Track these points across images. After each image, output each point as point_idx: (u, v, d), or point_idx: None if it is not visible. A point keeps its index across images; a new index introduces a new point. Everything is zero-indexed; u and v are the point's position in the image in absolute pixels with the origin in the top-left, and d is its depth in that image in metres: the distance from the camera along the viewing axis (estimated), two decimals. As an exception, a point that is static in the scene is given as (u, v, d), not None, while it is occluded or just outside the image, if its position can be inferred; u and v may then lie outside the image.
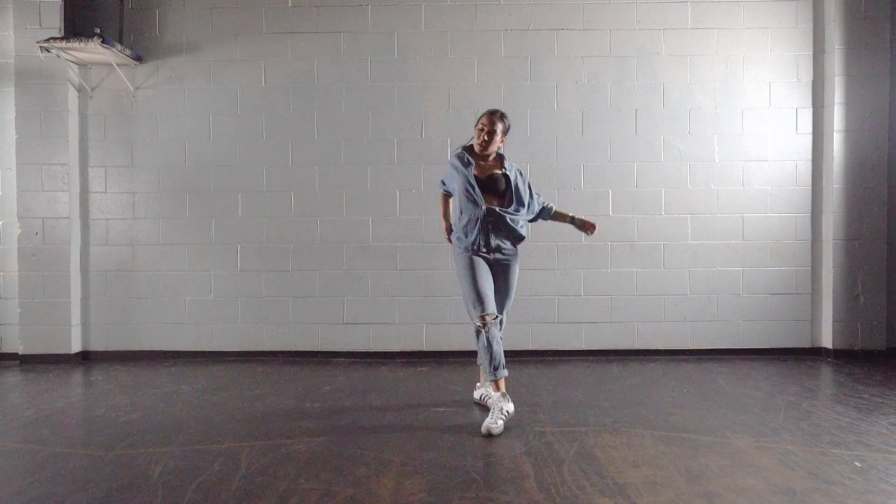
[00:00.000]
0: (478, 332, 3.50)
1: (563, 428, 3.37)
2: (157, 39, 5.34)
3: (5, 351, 5.31)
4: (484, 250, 3.61)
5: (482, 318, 3.45)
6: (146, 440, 3.21)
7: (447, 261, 5.24)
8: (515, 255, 3.72)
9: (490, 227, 3.59)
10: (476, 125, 3.68)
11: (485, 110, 3.71)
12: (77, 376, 4.79)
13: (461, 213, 3.66)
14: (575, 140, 5.33)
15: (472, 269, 3.54)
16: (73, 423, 3.58)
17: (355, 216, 5.32)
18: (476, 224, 3.58)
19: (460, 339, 5.32)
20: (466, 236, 3.62)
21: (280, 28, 5.33)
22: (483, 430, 3.25)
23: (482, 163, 3.70)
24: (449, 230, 3.91)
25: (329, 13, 5.33)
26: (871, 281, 5.22)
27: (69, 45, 4.86)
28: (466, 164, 3.65)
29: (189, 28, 5.34)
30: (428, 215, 5.26)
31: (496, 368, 3.46)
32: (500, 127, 3.64)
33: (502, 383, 3.48)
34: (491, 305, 3.48)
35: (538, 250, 5.33)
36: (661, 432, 3.29)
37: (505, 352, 5.30)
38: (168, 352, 5.33)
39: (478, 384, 3.97)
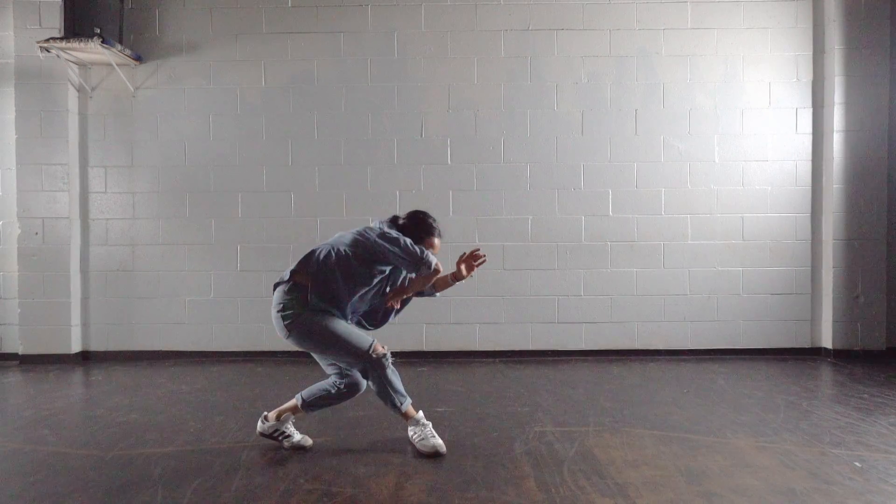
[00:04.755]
0: (381, 365, 2.98)
1: (563, 428, 3.37)
2: (157, 39, 5.34)
3: (5, 351, 5.31)
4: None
5: (377, 347, 2.98)
6: (146, 440, 3.21)
7: (447, 261, 5.21)
8: None
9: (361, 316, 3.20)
10: (433, 245, 3.13)
11: (439, 232, 3.18)
12: (77, 376, 4.79)
13: (351, 288, 2.99)
14: (575, 140, 5.33)
15: (336, 323, 2.99)
16: (73, 423, 3.58)
17: (355, 216, 5.31)
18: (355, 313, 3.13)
19: (460, 339, 5.32)
20: (338, 308, 3.01)
21: (280, 28, 5.33)
22: (432, 449, 2.97)
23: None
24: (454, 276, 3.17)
25: (329, 13, 5.33)
26: (871, 281, 5.22)
27: (69, 45, 4.85)
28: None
29: (189, 28, 5.34)
30: (428, 215, 5.26)
31: (405, 394, 3.08)
32: None
33: (412, 409, 3.10)
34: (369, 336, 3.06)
35: (538, 250, 5.33)
36: (661, 432, 3.29)
37: (505, 352, 5.39)
38: (168, 352, 5.33)
39: (290, 422, 3.16)
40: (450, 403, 3.90)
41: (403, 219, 3.15)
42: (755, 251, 5.35)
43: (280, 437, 3.10)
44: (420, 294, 3.27)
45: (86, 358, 5.34)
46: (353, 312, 3.11)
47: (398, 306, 3.18)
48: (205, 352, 5.34)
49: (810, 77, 5.33)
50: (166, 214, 5.35)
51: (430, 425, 3.07)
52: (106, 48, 4.88)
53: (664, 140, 5.33)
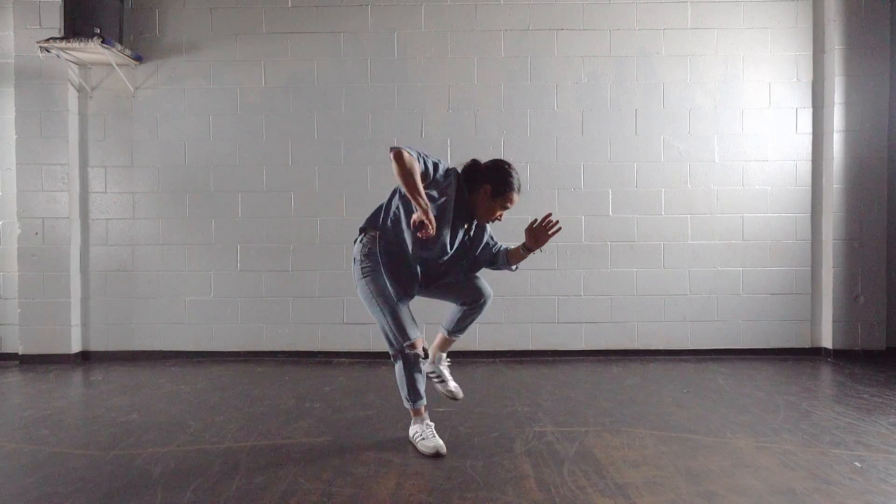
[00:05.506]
0: (410, 362, 3.02)
1: (563, 428, 3.37)
2: (157, 39, 5.34)
3: (5, 351, 5.31)
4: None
5: (416, 344, 3.01)
6: (146, 440, 3.21)
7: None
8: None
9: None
10: (504, 201, 2.99)
11: (517, 187, 3.03)
12: (77, 376, 4.79)
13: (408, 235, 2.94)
14: (575, 140, 5.33)
15: (395, 302, 3.01)
16: (72, 423, 3.58)
17: (355, 216, 5.32)
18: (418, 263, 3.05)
19: (460, 339, 5.30)
20: (404, 251, 2.98)
21: (280, 28, 5.33)
22: (432, 449, 2.96)
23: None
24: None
25: (329, 13, 5.33)
26: (871, 281, 5.22)
27: (69, 45, 4.85)
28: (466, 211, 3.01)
29: (189, 28, 5.34)
30: (428, 215, 5.25)
31: (422, 395, 3.13)
32: None
33: (423, 409, 3.15)
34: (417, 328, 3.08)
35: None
36: (661, 432, 3.29)
37: (505, 352, 5.39)
38: (168, 352, 5.33)
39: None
40: (450, 403, 3.90)
41: (485, 164, 3.02)
42: (755, 251, 5.35)
43: (435, 380, 3.14)
44: (495, 266, 3.22)
45: (86, 358, 5.34)
46: (418, 252, 3.00)
47: (429, 231, 2.69)
48: (205, 352, 5.34)
49: (810, 77, 5.33)
50: (166, 214, 5.35)
51: (433, 426, 3.08)
52: (106, 48, 4.88)
53: (664, 140, 5.33)
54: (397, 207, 2.96)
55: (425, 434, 3.03)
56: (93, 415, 3.72)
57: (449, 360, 3.30)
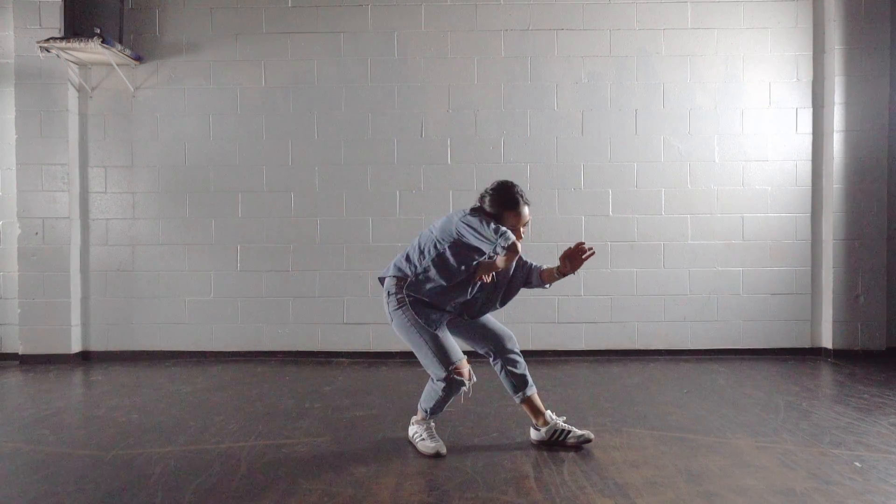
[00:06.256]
0: (452, 386, 2.97)
1: (563, 428, 3.36)
2: (157, 39, 5.34)
3: (5, 351, 5.31)
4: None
5: (460, 368, 2.96)
6: (146, 440, 3.21)
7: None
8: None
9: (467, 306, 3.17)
10: (520, 215, 3.00)
11: (525, 200, 3.04)
12: (77, 376, 4.79)
13: (447, 279, 2.98)
14: (575, 140, 5.33)
15: (434, 331, 3.00)
16: (73, 423, 3.58)
17: (355, 216, 5.32)
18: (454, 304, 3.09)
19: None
20: (433, 305, 3.03)
21: (280, 28, 5.33)
22: (432, 450, 2.98)
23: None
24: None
25: (329, 13, 5.33)
26: (871, 281, 5.22)
27: (69, 45, 4.85)
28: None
29: (189, 28, 5.34)
30: (428, 215, 5.25)
31: (441, 412, 3.15)
32: None
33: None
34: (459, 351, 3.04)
35: (538, 250, 5.32)
36: (661, 432, 3.29)
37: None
38: (168, 352, 5.33)
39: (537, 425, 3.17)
40: (450, 403, 3.89)
41: (490, 191, 3.02)
42: (755, 251, 5.35)
43: (562, 438, 3.06)
44: (529, 285, 3.25)
45: (86, 358, 5.34)
46: (451, 301, 3.06)
47: (487, 279, 3.06)
48: (205, 352, 5.34)
49: (810, 77, 5.33)
50: (166, 214, 5.35)
51: (434, 427, 3.08)
52: (106, 48, 4.88)
53: (664, 140, 5.33)
54: (434, 264, 2.96)
55: (425, 434, 3.03)
56: (93, 415, 3.72)
57: (552, 413, 3.16)
